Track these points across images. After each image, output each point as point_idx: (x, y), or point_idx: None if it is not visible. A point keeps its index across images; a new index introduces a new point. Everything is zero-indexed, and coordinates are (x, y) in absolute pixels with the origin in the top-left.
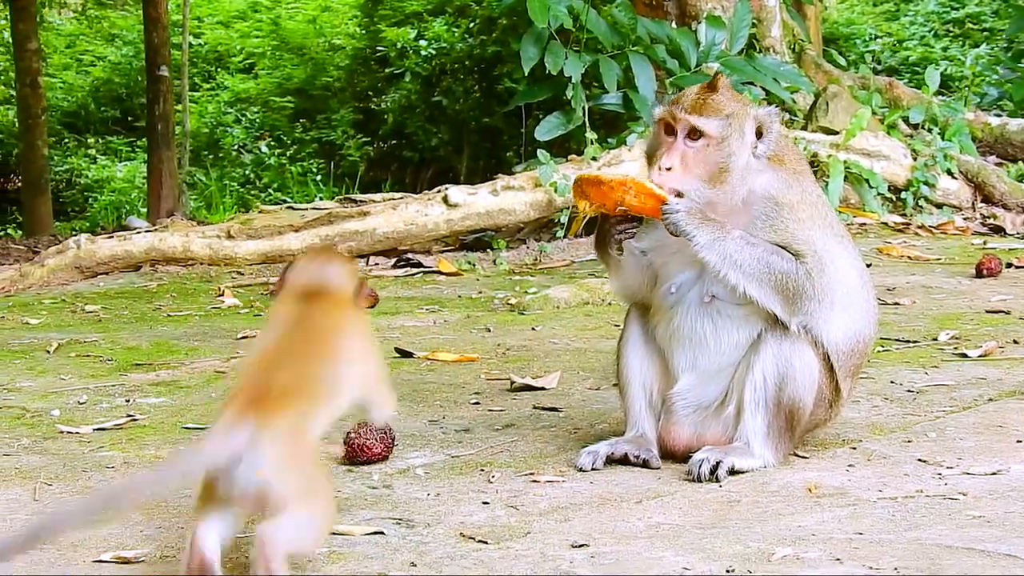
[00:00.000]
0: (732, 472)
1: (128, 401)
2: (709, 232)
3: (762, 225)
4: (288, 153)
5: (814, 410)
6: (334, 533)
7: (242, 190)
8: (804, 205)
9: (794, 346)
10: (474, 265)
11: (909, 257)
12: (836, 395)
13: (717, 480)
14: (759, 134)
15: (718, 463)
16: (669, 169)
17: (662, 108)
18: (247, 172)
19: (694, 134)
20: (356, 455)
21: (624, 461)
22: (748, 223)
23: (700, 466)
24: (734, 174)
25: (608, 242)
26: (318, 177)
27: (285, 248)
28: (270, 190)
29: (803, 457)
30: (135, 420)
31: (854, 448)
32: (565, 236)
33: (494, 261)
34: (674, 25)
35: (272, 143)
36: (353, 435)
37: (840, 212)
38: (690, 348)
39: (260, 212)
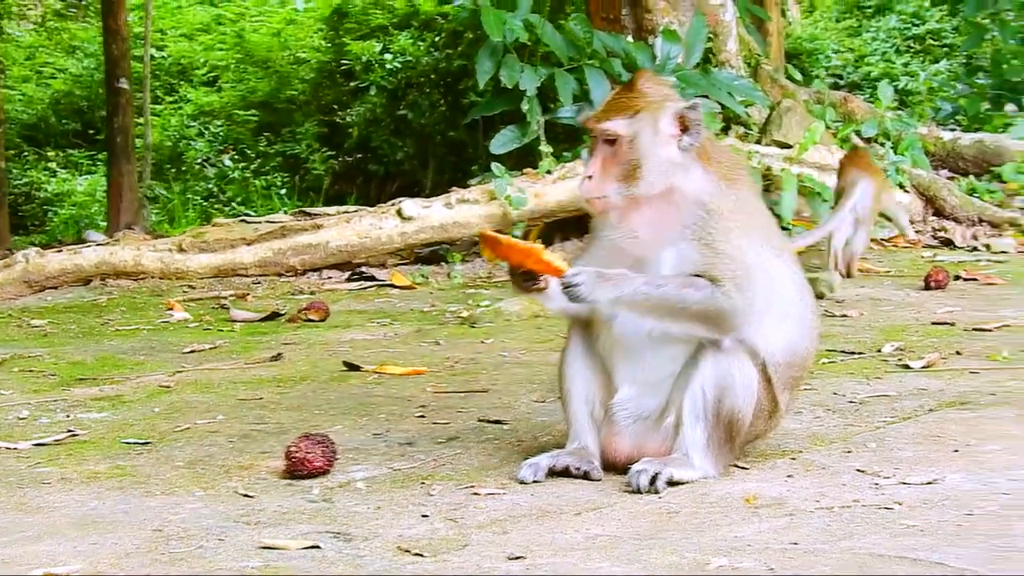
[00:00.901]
0: (671, 483)
1: (69, 416)
2: (612, 291)
3: (690, 234)
4: (252, 167)
5: (753, 422)
6: (269, 547)
7: (205, 204)
8: (736, 213)
9: (732, 359)
10: (428, 278)
11: (860, 270)
12: (775, 407)
13: (656, 491)
14: (684, 128)
15: (657, 474)
16: (590, 178)
17: (581, 117)
18: (210, 186)
19: (609, 138)
20: (297, 469)
21: (565, 473)
22: (679, 231)
23: (639, 477)
24: (652, 170)
25: (519, 287)
26: (282, 191)
27: (238, 262)
28: (234, 204)
29: (743, 468)
30: (75, 435)
31: (794, 459)
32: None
33: (448, 274)
34: (630, 39)
35: (236, 156)
36: (294, 449)
37: (793, 225)
38: (630, 360)
39: (213, 225)
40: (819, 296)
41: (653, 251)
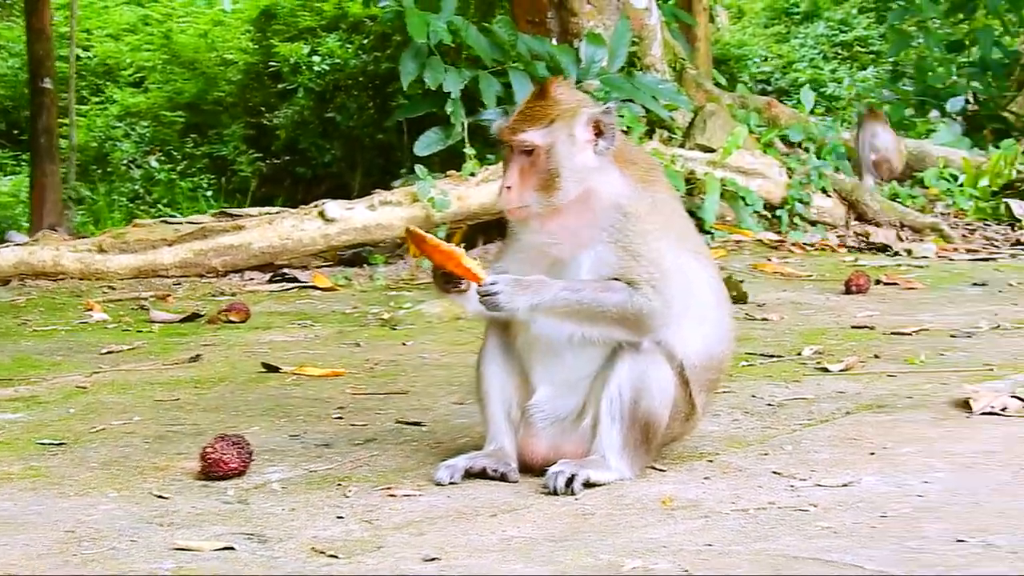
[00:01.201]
0: (588, 485)
1: None
2: (530, 299)
3: (607, 237)
4: (178, 168)
5: (670, 424)
6: (182, 549)
7: (131, 205)
8: (654, 215)
9: (649, 360)
10: (350, 280)
11: (782, 274)
12: (692, 409)
13: (573, 493)
14: (599, 133)
15: (573, 476)
16: (509, 188)
17: (495, 127)
18: (136, 187)
19: (526, 149)
20: (212, 470)
21: (483, 475)
22: (596, 234)
23: (556, 479)
24: (569, 177)
25: (440, 288)
26: (208, 193)
27: (158, 263)
28: (159, 205)
29: (660, 470)
30: None
31: (711, 461)
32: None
33: (371, 276)
34: (555, 42)
35: (162, 158)
36: (210, 450)
37: (716, 229)
38: (547, 360)
39: (134, 226)
40: (739, 300)
41: (571, 254)
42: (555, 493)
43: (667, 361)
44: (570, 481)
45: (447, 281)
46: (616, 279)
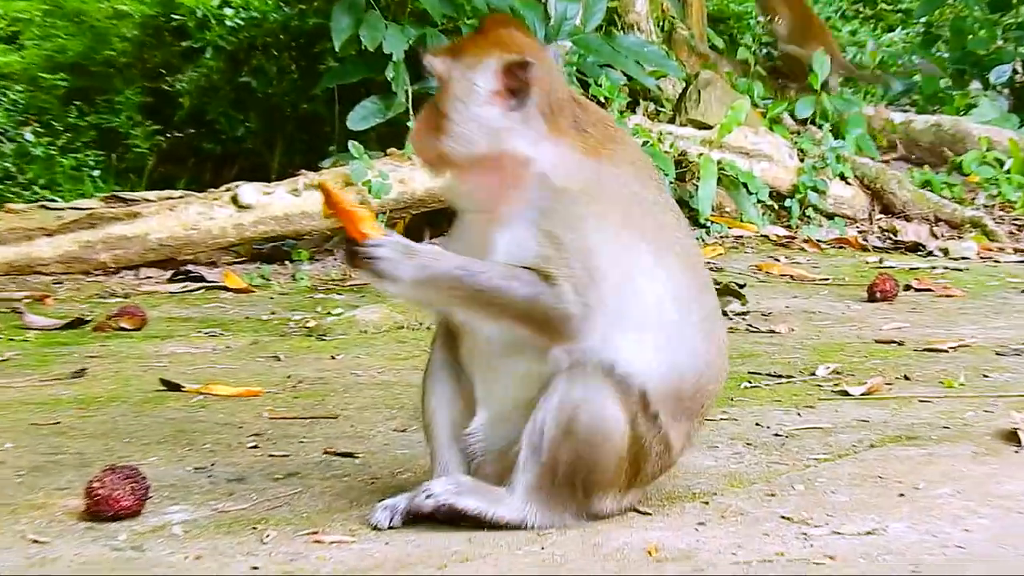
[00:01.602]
0: (453, 513)
1: None
2: (415, 271)
3: (530, 217)
4: (59, 142)
5: (639, 464)
6: None
7: (1, 187)
8: (597, 198)
9: (590, 390)
10: (268, 280)
11: (791, 276)
12: (666, 445)
13: (436, 518)
14: (514, 91)
15: (447, 504)
16: (418, 125)
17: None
18: (8, 164)
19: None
20: (100, 509)
21: (430, 517)
22: (518, 211)
23: (420, 494)
24: (464, 126)
25: (348, 262)
26: (96, 172)
27: (35, 256)
28: (35, 187)
29: (644, 513)
30: None
31: (706, 503)
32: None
33: (293, 276)
34: None
35: (39, 130)
36: (97, 484)
37: (712, 222)
38: (487, 378)
39: (6, 211)
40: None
41: (488, 232)
42: (410, 511)
43: (616, 391)
44: (439, 508)
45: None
46: (531, 268)
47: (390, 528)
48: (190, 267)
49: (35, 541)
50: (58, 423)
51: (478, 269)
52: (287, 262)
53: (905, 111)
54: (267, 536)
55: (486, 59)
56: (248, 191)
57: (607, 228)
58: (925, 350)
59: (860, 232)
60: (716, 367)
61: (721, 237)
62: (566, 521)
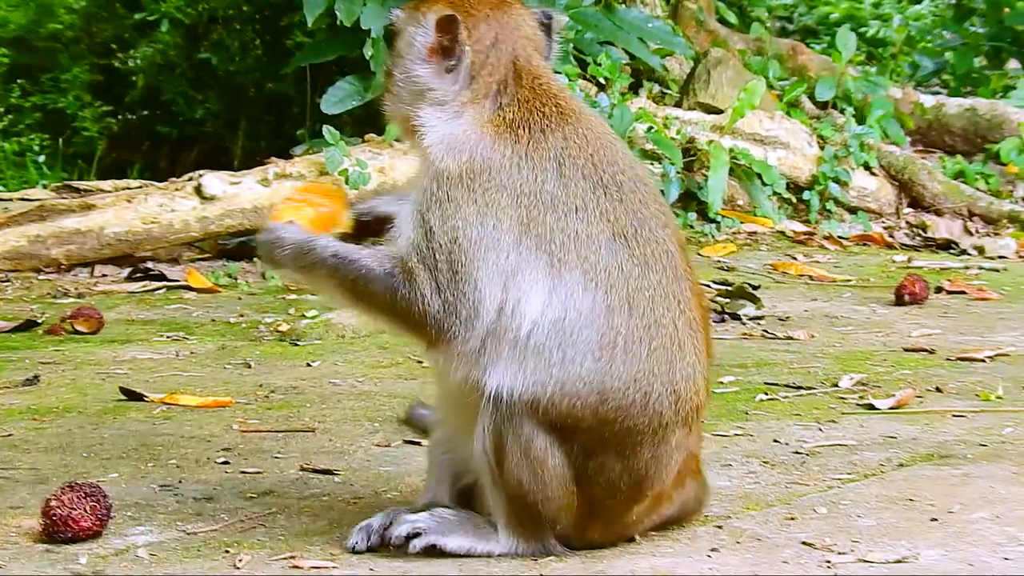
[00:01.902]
0: (435, 551)
1: None
2: (298, 257)
3: (416, 196)
4: (1, 125)
5: (591, 493)
6: None
7: None
8: (482, 185)
9: (505, 417)
10: (236, 279)
11: (811, 277)
12: (607, 481)
13: (405, 551)
14: (447, 49)
15: (417, 534)
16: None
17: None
18: None
19: None
20: (58, 530)
21: (412, 537)
22: (416, 186)
23: (397, 528)
24: (398, 86)
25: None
26: (41, 158)
27: None
28: None
29: (652, 539)
30: None
31: (720, 527)
32: None
33: (263, 274)
34: None
35: None
36: (54, 503)
37: (723, 216)
38: (438, 393)
39: None
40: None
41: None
42: (387, 541)
43: (526, 418)
44: (411, 537)
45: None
46: (395, 257)
47: (368, 551)
48: (150, 264)
49: None
50: (10, 435)
51: (352, 257)
52: (256, 259)
53: (936, 93)
54: (240, 560)
55: (427, 12)
56: (213, 181)
57: (491, 224)
58: (959, 359)
59: (886, 228)
60: (623, 397)
61: (733, 233)
62: (554, 550)
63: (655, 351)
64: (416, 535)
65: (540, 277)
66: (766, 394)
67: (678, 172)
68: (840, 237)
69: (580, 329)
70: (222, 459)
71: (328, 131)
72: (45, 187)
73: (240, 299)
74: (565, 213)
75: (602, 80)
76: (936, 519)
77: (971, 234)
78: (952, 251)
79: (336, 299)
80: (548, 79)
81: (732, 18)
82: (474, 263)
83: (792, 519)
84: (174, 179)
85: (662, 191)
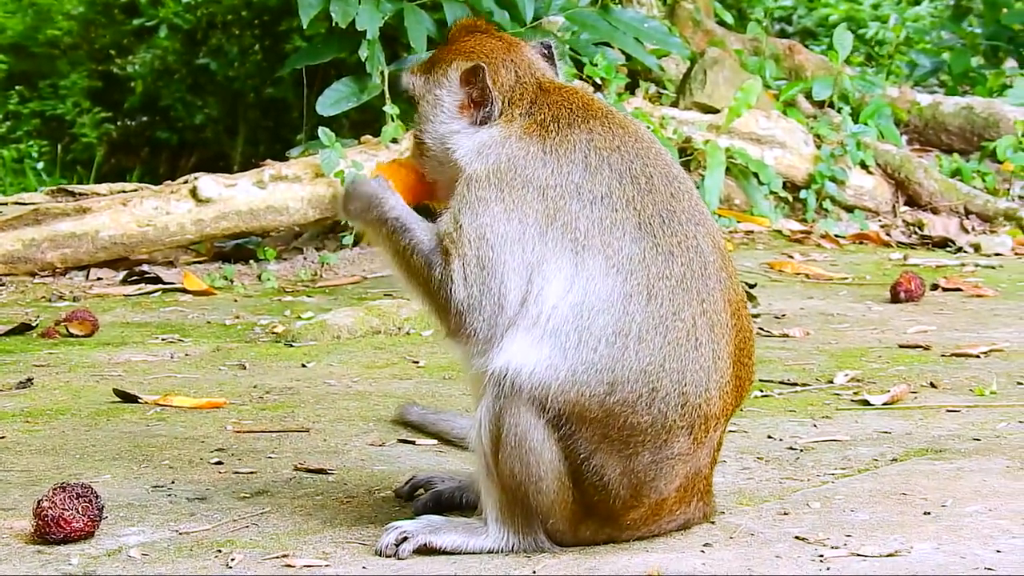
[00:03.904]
0: (428, 551)
1: None
2: (371, 209)
3: (452, 207)
4: None
5: (583, 489)
6: None
7: None
8: (508, 182)
9: (505, 401)
10: (232, 281)
11: (807, 275)
12: (599, 477)
13: (398, 556)
14: (478, 100)
15: (406, 537)
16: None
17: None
18: None
19: None
20: (50, 531)
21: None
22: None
23: (386, 535)
24: (436, 150)
25: None
26: (40, 164)
27: None
28: None
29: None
30: None
31: (713, 522)
32: (356, 244)
33: (259, 276)
34: None
35: None
36: (47, 504)
37: (720, 215)
38: (467, 382)
39: None
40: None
41: None
42: (378, 553)
43: (527, 401)
44: (402, 541)
45: None
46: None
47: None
48: (145, 267)
49: None
50: (3, 437)
51: (409, 225)
52: (252, 261)
53: (933, 92)
54: (232, 560)
55: (448, 71)
56: (208, 183)
57: (517, 219)
58: (954, 355)
59: (883, 226)
60: (631, 390)
61: (730, 232)
62: (544, 546)
63: (669, 344)
64: (404, 539)
65: (564, 264)
66: (761, 391)
67: None
68: (837, 235)
69: (598, 313)
70: (215, 459)
71: (324, 133)
72: (40, 191)
73: (236, 301)
74: (591, 201)
75: (598, 80)
76: (929, 513)
77: (967, 232)
78: (948, 249)
79: (388, 263)
80: (574, 88)
81: (729, 18)
82: (501, 258)
83: (786, 514)
84: (169, 182)
85: None
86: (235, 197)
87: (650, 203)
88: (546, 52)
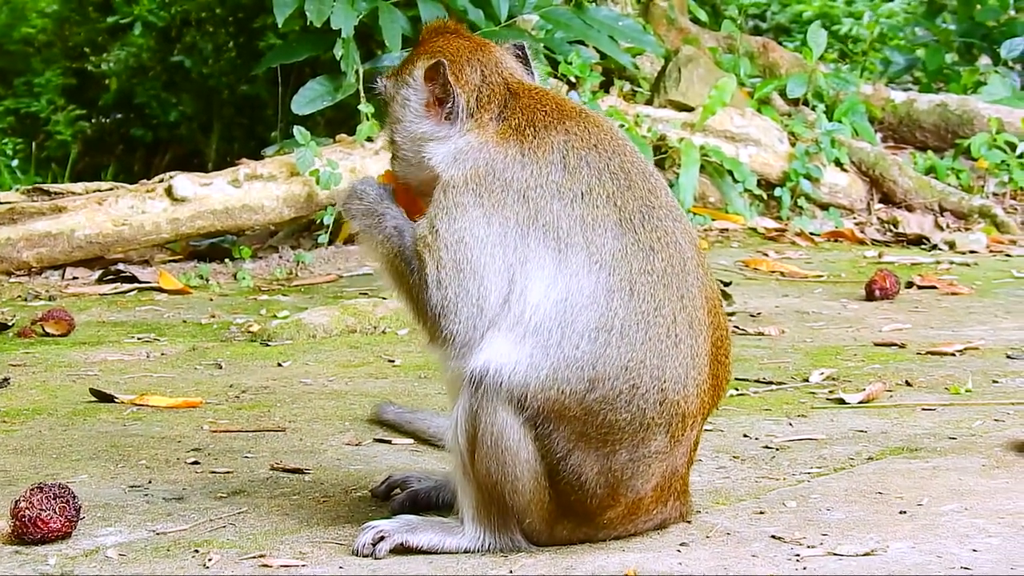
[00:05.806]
0: (404, 551)
1: None
2: (365, 218)
3: (429, 213)
4: None
5: (559, 489)
6: None
7: None
8: (485, 186)
9: (484, 401)
10: (207, 280)
11: (782, 273)
12: (576, 476)
13: (375, 556)
14: (440, 97)
15: (382, 537)
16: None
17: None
18: None
19: None
20: (26, 531)
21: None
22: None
23: (363, 534)
24: (408, 152)
25: None
26: (14, 162)
27: None
28: None
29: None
30: None
31: (689, 521)
32: (331, 243)
33: (235, 275)
34: None
35: None
36: (24, 504)
37: (695, 213)
38: (444, 382)
39: None
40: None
41: None
42: (355, 553)
43: (504, 400)
44: (378, 540)
45: None
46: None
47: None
48: (121, 266)
49: None
50: None
51: (403, 232)
52: (227, 260)
53: (907, 89)
54: (209, 560)
55: (413, 71)
56: (183, 182)
57: (498, 223)
58: (929, 353)
59: (857, 224)
60: (611, 387)
61: (705, 230)
62: (520, 545)
63: (650, 340)
64: (381, 539)
65: (547, 262)
66: (736, 390)
67: None
68: (811, 233)
69: (581, 310)
70: (192, 459)
71: (299, 131)
72: (16, 190)
73: (211, 300)
74: (571, 199)
75: (573, 79)
76: (905, 512)
77: (942, 229)
78: (923, 246)
79: (379, 271)
80: (544, 90)
81: (703, 16)
82: (480, 260)
83: (762, 513)
84: (145, 181)
85: None
86: (210, 196)
87: (630, 199)
88: (519, 53)
